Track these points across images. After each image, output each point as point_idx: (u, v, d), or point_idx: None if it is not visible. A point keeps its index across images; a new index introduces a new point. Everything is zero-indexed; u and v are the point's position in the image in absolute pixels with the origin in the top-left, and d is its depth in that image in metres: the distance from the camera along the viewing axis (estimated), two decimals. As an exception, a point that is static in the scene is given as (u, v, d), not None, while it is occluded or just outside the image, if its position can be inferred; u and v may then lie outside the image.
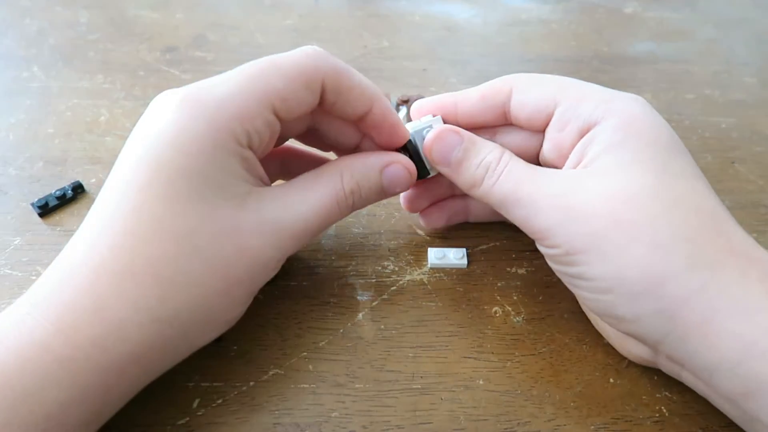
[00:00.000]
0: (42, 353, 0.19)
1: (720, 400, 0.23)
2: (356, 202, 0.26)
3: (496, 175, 0.26)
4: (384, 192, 0.27)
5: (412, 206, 0.32)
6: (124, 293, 0.21)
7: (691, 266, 0.21)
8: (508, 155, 0.26)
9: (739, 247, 0.22)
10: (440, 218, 0.32)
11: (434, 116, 0.28)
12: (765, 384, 0.20)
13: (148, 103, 0.24)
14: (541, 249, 0.26)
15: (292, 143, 0.30)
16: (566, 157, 0.26)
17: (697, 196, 0.23)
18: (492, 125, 0.29)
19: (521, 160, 0.26)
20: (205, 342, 0.24)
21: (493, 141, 0.28)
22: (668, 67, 0.50)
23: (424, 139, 0.27)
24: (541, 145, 0.28)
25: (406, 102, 0.42)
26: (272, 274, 0.25)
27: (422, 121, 0.28)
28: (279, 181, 0.30)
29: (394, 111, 0.27)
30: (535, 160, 0.29)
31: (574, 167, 0.25)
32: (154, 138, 0.22)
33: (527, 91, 0.27)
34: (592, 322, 0.28)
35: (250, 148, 0.24)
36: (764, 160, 0.40)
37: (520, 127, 0.28)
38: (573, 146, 0.26)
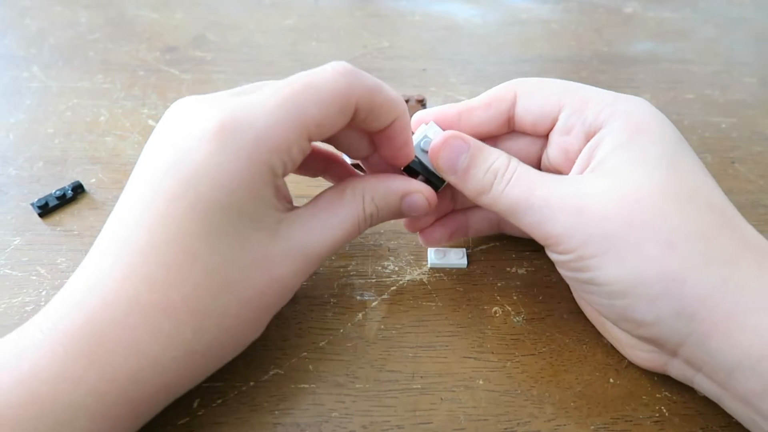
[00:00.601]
0: (76, 386, 0.20)
1: (734, 404, 0.22)
2: (373, 222, 0.27)
3: (506, 181, 0.25)
4: (400, 215, 0.27)
5: (415, 225, 0.31)
6: (159, 328, 0.21)
7: (709, 262, 0.21)
8: (515, 161, 0.26)
9: (752, 242, 0.22)
10: (442, 235, 0.31)
11: (426, 124, 0.27)
12: None
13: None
14: (553, 256, 0.25)
15: None
16: (572, 161, 0.26)
17: (708, 191, 0.23)
18: (496, 134, 0.28)
19: (529, 167, 0.26)
20: (228, 360, 0.24)
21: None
22: (668, 67, 0.50)
23: (423, 151, 0.27)
24: (543, 151, 0.28)
25: (407, 102, 0.42)
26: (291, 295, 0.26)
27: (417, 133, 0.27)
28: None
29: (410, 128, 0.26)
30: (537, 165, 0.29)
31: (581, 172, 0.25)
32: (192, 172, 0.21)
33: (531, 96, 0.27)
34: (598, 327, 0.28)
35: (283, 175, 0.24)
36: (764, 160, 0.40)
37: (523, 132, 0.28)
38: (579, 150, 0.26)
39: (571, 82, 0.27)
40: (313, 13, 0.56)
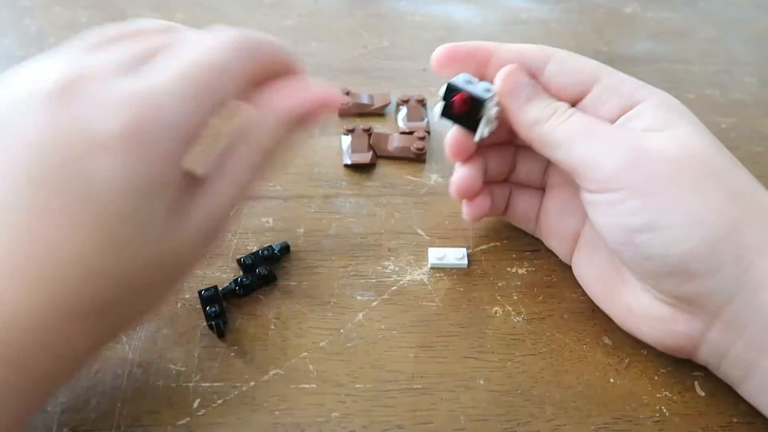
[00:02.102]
0: None
1: (761, 383, 0.23)
2: (268, 159, 0.23)
3: (566, 116, 0.26)
4: (298, 118, 0.23)
5: (465, 189, 0.30)
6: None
7: (761, 218, 0.22)
8: (573, 108, 0.26)
9: None
10: (484, 203, 0.30)
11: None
12: None
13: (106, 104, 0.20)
14: (601, 197, 0.24)
15: None
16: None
17: (743, 167, 0.25)
18: None
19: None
20: (133, 325, 0.23)
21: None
22: (668, 67, 0.50)
23: (469, 87, 0.27)
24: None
25: (407, 102, 0.42)
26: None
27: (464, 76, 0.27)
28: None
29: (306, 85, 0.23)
30: None
31: None
32: (102, 183, 0.18)
33: (566, 62, 0.27)
34: (606, 304, 0.28)
35: None
36: (764, 160, 0.40)
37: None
38: (612, 121, 0.26)
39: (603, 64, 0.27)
40: (313, 13, 0.56)
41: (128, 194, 0.18)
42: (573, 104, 0.27)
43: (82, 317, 0.19)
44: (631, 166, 0.23)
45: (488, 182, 0.31)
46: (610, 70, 0.27)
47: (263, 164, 0.22)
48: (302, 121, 0.23)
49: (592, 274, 0.29)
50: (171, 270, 0.21)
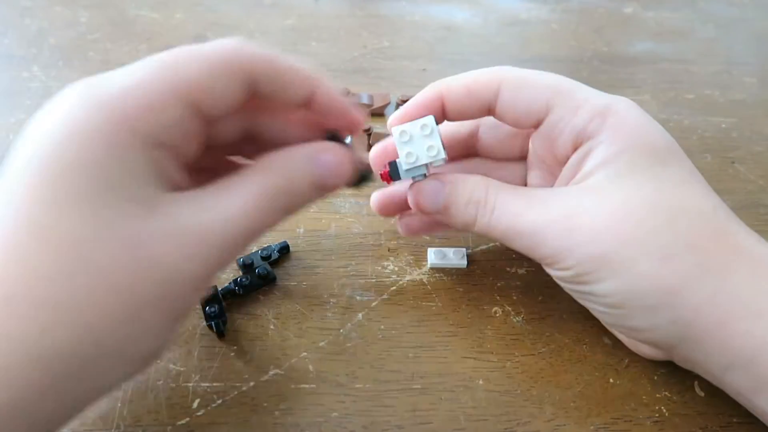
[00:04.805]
0: None
1: (732, 393, 0.23)
2: (289, 202, 0.22)
3: (489, 212, 0.25)
4: (319, 185, 0.22)
5: (385, 209, 0.30)
6: None
7: (701, 274, 0.22)
8: (494, 188, 0.25)
9: (745, 247, 0.22)
10: (420, 225, 0.30)
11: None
12: None
13: (63, 90, 0.21)
14: (551, 272, 0.25)
15: None
16: (560, 163, 0.26)
17: (698, 200, 0.23)
18: (477, 117, 0.28)
19: (508, 187, 0.25)
20: (115, 384, 0.20)
21: (478, 134, 0.29)
22: (668, 67, 0.50)
23: (419, 132, 0.25)
24: (528, 144, 0.28)
25: (406, 102, 0.42)
26: (197, 295, 0.21)
27: (415, 122, 0.26)
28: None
29: (338, 96, 0.23)
30: (524, 156, 0.29)
31: (569, 180, 0.25)
32: (42, 134, 0.18)
33: (517, 92, 0.25)
34: (603, 322, 0.28)
35: (164, 148, 0.20)
36: (764, 160, 0.40)
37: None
38: (566, 156, 0.25)
39: (560, 80, 0.26)
40: (313, 13, 0.56)
41: (64, 140, 0.18)
42: (535, 127, 0.26)
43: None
44: (565, 254, 0.23)
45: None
46: (564, 95, 0.25)
47: (281, 203, 0.21)
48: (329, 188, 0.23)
49: None
50: (143, 280, 0.18)
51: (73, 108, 0.19)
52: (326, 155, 0.22)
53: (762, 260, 0.22)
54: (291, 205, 0.22)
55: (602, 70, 0.50)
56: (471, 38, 0.54)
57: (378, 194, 0.30)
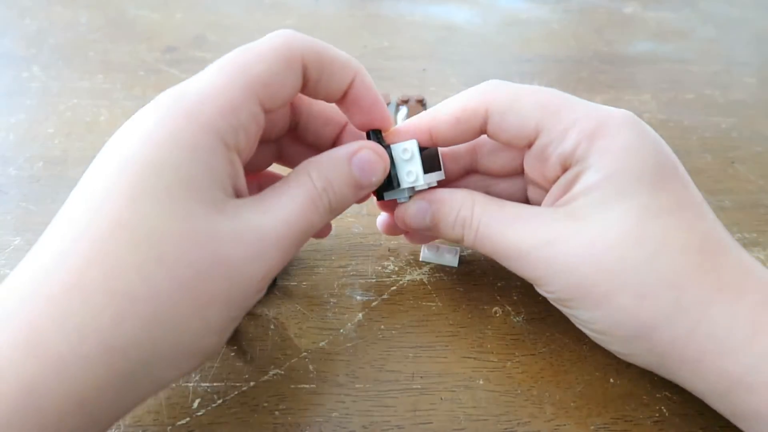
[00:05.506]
0: None
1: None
2: (332, 200, 0.23)
3: (474, 230, 0.25)
4: (358, 184, 0.24)
5: (391, 230, 0.30)
6: (67, 316, 0.17)
7: (678, 311, 0.22)
8: (480, 205, 0.25)
9: (728, 280, 0.22)
10: (423, 236, 0.31)
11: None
12: (752, 412, 0.21)
13: (148, 103, 0.23)
14: (538, 290, 0.26)
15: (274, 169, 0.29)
16: (549, 182, 0.26)
17: (683, 232, 0.22)
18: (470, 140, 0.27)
19: (496, 205, 0.25)
20: (173, 379, 0.20)
21: (476, 150, 0.28)
22: (668, 67, 0.50)
23: (401, 156, 0.26)
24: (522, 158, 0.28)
25: (406, 102, 0.42)
26: (256, 295, 0.22)
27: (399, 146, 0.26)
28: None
29: (374, 87, 0.25)
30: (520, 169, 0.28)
31: (556, 200, 0.25)
32: (127, 134, 0.20)
33: (505, 116, 0.25)
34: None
35: (237, 150, 0.21)
36: (764, 160, 0.40)
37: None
38: (555, 176, 0.25)
39: (550, 98, 0.25)
40: (313, 13, 0.56)
41: (148, 139, 0.19)
42: (528, 147, 0.25)
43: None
44: (547, 280, 0.24)
45: None
46: (553, 116, 0.24)
47: (325, 203, 0.23)
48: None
49: None
50: (210, 276, 0.19)
51: (156, 110, 0.20)
52: (364, 152, 0.24)
53: (744, 292, 0.22)
54: (334, 205, 0.23)
55: (602, 70, 0.50)
56: (471, 38, 0.54)
57: (384, 216, 0.30)
